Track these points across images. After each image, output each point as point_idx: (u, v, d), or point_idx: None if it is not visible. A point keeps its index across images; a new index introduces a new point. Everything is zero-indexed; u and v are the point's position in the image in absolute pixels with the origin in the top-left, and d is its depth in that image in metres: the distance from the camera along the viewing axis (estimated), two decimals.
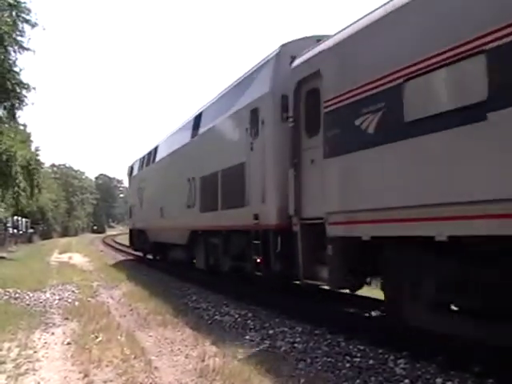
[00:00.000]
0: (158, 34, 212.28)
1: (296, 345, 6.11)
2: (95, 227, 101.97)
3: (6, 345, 6.02)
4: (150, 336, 6.67)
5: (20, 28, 18.93)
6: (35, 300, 9.71)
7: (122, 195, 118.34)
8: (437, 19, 4.97)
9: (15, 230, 43.52)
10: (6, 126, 21.06)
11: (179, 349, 5.94)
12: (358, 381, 4.76)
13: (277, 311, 8.02)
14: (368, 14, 6.22)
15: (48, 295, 10.34)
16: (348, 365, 5.25)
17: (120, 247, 31.32)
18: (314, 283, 7.26)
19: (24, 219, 48.36)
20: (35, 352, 5.79)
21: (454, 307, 5.40)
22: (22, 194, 24.32)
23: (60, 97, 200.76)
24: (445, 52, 4.73)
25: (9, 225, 40.25)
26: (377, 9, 6.02)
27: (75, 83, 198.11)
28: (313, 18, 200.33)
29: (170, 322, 7.46)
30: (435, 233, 4.83)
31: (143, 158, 20.22)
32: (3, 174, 21.33)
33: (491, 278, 4.55)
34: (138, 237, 20.69)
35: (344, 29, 6.74)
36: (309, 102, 7.43)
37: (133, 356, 5.48)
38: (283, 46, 8.76)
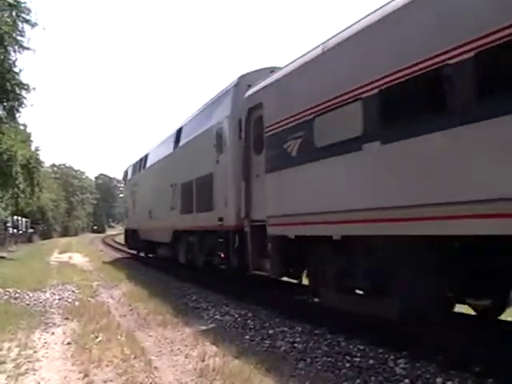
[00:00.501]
0: (158, 33, 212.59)
1: (296, 344, 6.11)
2: (95, 227, 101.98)
3: (6, 345, 6.02)
4: (150, 336, 6.67)
5: (20, 28, 18.94)
6: (35, 300, 9.71)
7: (121, 195, 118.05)
8: (329, 75, 6.89)
9: (15, 230, 43.55)
10: (7, 126, 21.02)
11: (179, 348, 5.94)
12: (358, 380, 4.76)
13: (277, 311, 8.02)
14: (293, 62, 8.04)
15: (48, 295, 10.34)
16: (348, 364, 5.25)
17: (120, 247, 31.31)
18: (261, 273, 8.80)
19: (24, 219, 48.40)
20: (35, 352, 5.80)
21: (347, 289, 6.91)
22: (22, 195, 24.31)
23: (60, 97, 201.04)
24: (335, 98, 6.45)
25: (9, 224, 40.28)
26: (301, 56, 7.80)
27: (75, 83, 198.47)
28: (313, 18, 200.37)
29: (169, 321, 7.46)
30: (333, 233, 6.51)
31: (136, 163, 22.04)
32: (3, 173, 21.32)
33: (370, 266, 6.26)
34: (131, 236, 22.43)
35: (281, 69, 8.54)
36: (256, 127, 9.04)
37: (133, 356, 5.48)
38: (241, 77, 10.46)
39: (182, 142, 14.30)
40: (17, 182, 22.27)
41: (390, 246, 5.79)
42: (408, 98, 5.47)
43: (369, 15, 6.24)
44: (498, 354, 4.73)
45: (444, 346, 5.11)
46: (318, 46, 7.26)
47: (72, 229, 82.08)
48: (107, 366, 5.18)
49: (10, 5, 18.40)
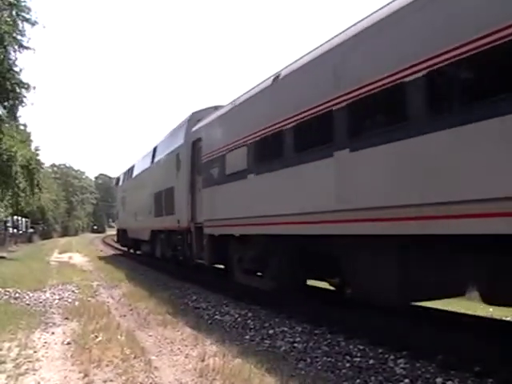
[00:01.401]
0: (158, 33, 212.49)
1: (296, 344, 6.11)
2: (95, 227, 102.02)
3: (6, 344, 6.02)
4: (150, 336, 6.67)
5: (20, 27, 18.89)
6: (35, 300, 9.72)
7: None
8: (232, 125, 10.10)
9: (15, 230, 43.56)
10: (6, 125, 21.00)
11: (179, 348, 5.94)
12: (358, 380, 4.76)
13: (277, 311, 8.02)
14: (219, 111, 11.13)
15: (48, 295, 10.34)
16: (348, 364, 5.25)
17: (119, 247, 31.32)
18: (201, 262, 12.03)
19: (24, 219, 48.42)
20: (35, 352, 5.80)
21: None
22: (22, 194, 24.30)
23: (60, 96, 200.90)
24: (234, 142, 9.59)
25: (9, 224, 40.29)
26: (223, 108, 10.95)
27: (75, 83, 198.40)
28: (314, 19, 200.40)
29: (169, 321, 7.46)
30: (235, 232, 9.94)
31: (125, 172, 25.68)
32: (4, 173, 21.31)
33: (255, 255, 9.38)
34: (122, 235, 26.18)
35: (216, 112, 11.49)
36: (197, 155, 12.19)
37: (133, 356, 5.48)
38: (192, 113, 13.74)
39: (156, 159, 17.77)
40: (17, 181, 22.24)
41: (265, 242, 8.81)
42: (271, 146, 8.32)
43: (251, 89, 9.48)
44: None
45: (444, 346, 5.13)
46: (231, 102, 10.38)
47: (72, 229, 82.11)
48: (107, 365, 5.18)
49: (9, 4, 18.37)
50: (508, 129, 4.24)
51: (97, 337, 6.34)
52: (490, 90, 4.52)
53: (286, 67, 8.17)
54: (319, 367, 5.23)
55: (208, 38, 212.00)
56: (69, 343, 6.22)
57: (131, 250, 24.70)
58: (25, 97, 19.50)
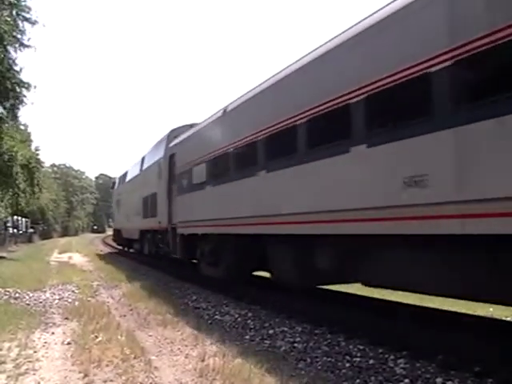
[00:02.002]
0: (159, 33, 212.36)
1: (296, 344, 6.11)
2: (95, 227, 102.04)
3: (6, 344, 6.03)
4: (150, 336, 6.67)
5: (20, 26, 18.88)
6: (35, 300, 9.72)
7: None
8: (196, 146, 12.33)
9: (15, 230, 43.56)
10: (6, 125, 20.98)
11: (179, 348, 5.94)
12: (358, 380, 4.76)
13: (277, 311, 8.02)
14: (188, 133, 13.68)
15: (48, 295, 10.35)
16: (348, 364, 5.25)
17: (119, 247, 31.32)
18: (175, 256, 14.26)
19: (24, 219, 48.41)
20: (35, 352, 5.80)
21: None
22: (22, 194, 24.29)
23: (60, 96, 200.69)
24: (197, 159, 11.88)
25: (9, 224, 40.28)
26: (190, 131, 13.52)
27: (75, 83, 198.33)
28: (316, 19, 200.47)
29: (169, 321, 7.46)
30: (198, 231, 12.03)
31: (120, 177, 28.62)
32: (4, 174, 21.30)
33: (209, 249, 11.60)
34: (117, 235, 28.86)
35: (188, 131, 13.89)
36: (173, 166, 14.45)
37: (133, 356, 5.48)
38: (171, 131, 16.22)
39: (144, 167, 20.19)
40: (17, 182, 22.24)
41: (218, 240, 11.02)
42: (219, 164, 10.60)
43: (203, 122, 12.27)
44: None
45: (444, 346, 5.12)
46: (195, 127, 13.23)
47: (72, 229, 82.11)
48: (107, 365, 5.18)
49: (10, 3, 18.36)
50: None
51: (97, 337, 6.34)
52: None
53: (231, 103, 10.51)
54: (319, 367, 5.23)
55: (209, 39, 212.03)
56: (69, 343, 6.22)
57: (125, 249, 27.02)
58: (25, 96, 19.51)
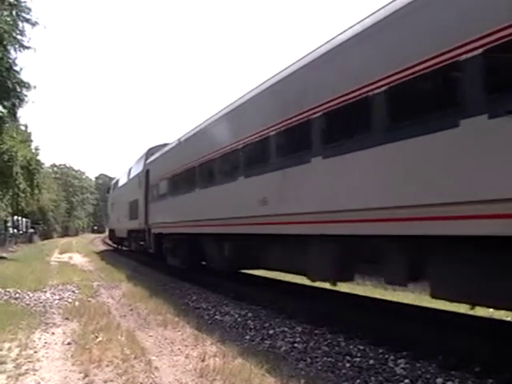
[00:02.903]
0: (160, 34, 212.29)
1: (296, 345, 6.12)
2: (95, 227, 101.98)
3: (7, 345, 6.02)
4: (150, 336, 6.66)
5: (20, 27, 18.89)
6: (35, 300, 9.71)
7: None
8: (165, 163, 16.12)
9: (15, 230, 43.56)
10: (7, 125, 21.00)
11: (179, 349, 5.94)
12: (358, 381, 4.76)
13: (277, 311, 8.02)
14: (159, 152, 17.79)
15: (48, 295, 10.34)
16: (348, 365, 5.25)
17: (120, 247, 31.32)
18: (151, 252, 18.05)
19: (24, 219, 48.41)
20: (35, 352, 5.79)
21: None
22: (22, 194, 24.31)
23: (60, 96, 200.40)
24: (164, 175, 15.81)
25: (9, 225, 40.29)
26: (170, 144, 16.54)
27: (76, 83, 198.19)
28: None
29: (170, 321, 7.45)
30: (163, 231, 15.98)
31: (114, 183, 33.59)
32: (4, 174, 21.31)
33: (171, 245, 15.41)
34: (112, 234, 32.97)
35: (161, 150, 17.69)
36: (149, 180, 18.26)
37: (133, 356, 5.48)
38: (149, 149, 20.30)
39: (130, 176, 24.02)
40: (17, 182, 22.26)
41: (176, 237, 14.39)
42: (177, 180, 14.03)
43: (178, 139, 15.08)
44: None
45: (444, 346, 5.12)
46: (161, 150, 17.30)
47: (72, 229, 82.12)
48: (107, 366, 5.18)
49: (10, 4, 18.38)
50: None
51: (97, 337, 6.33)
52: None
53: (183, 135, 14.13)
54: (319, 367, 5.24)
55: (210, 40, 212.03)
56: (69, 343, 6.22)
57: (119, 246, 30.80)
58: (25, 96, 19.53)
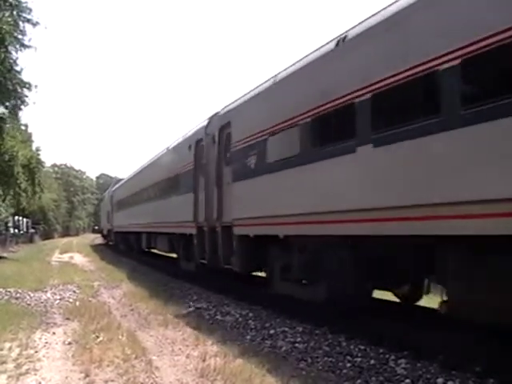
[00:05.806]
0: (160, 34, 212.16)
1: (297, 345, 6.11)
2: (96, 227, 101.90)
3: (7, 344, 6.03)
4: (151, 336, 6.67)
5: (21, 27, 18.88)
6: (36, 300, 9.71)
7: None
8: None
9: (16, 230, 43.61)
10: (8, 125, 21.00)
11: (180, 349, 5.94)
12: (358, 381, 4.76)
13: (277, 311, 8.01)
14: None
15: (49, 295, 10.35)
16: (349, 365, 5.25)
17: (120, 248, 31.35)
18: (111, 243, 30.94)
19: (25, 219, 48.46)
20: (36, 352, 5.80)
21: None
22: (23, 194, 24.31)
23: (61, 97, 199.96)
24: (115, 202, 29.99)
25: (10, 225, 40.34)
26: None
27: (77, 83, 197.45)
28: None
29: (170, 321, 7.46)
30: (128, 230, 24.26)
31: (103, 196, 41.60)
32: (5, 174, 21.31)
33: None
34: (102, 232, 41.90)
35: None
36: (112, 201, 30.29)
37: (134, 356, 5.48)
38: (114, 181, 34.84)
39: (109, 195, 29.42)
40: (18, 182, 22.25)
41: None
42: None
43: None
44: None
45: (445, 346, 5.11)
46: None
47: (73, 229, 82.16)
48: (108, 366, 5.18)
49: (10, 4, 18.37)
50: None
51: (98, 337, 6.34)
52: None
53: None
54: (320, 367, 5.23)
55: (211, 41, 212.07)
56: (70, 343, 6.22)
57: (110, 243, 35.63)
58: (26, 96, 19.52)
